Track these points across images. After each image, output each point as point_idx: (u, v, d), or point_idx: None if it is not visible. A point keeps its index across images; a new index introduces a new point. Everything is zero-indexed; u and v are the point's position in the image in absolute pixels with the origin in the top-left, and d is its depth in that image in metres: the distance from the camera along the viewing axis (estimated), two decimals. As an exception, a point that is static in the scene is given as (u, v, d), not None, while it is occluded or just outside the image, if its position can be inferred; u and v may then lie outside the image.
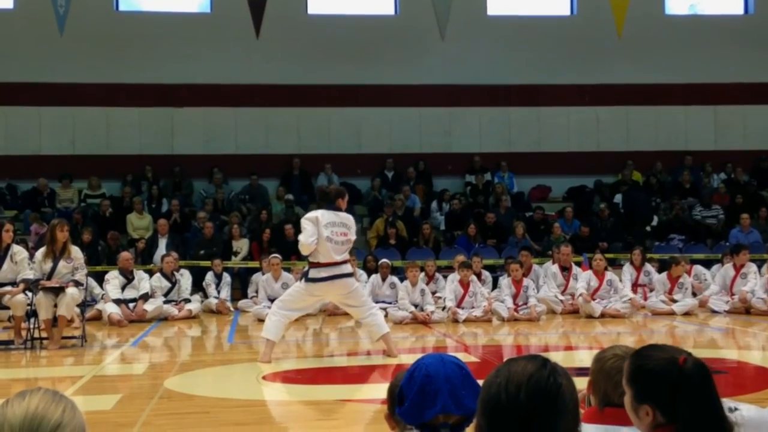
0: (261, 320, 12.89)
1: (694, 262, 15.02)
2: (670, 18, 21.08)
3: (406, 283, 12.90)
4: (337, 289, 8.68)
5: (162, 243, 15.99)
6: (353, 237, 8.69)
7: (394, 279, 13.61)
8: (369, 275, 14.20)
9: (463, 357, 4.88)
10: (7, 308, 9.93)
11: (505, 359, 1.98)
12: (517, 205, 19.05)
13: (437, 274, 14.05)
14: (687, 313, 13.06)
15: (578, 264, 14.59)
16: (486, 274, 14.35)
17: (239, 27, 18.60)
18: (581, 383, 2.78)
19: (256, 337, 11.30)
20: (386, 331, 8.80)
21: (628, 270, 14.27)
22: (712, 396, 2.26)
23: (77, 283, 9.99)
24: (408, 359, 8.64)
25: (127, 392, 7.07)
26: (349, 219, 8.67)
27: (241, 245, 16.36)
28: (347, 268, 8.68)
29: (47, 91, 18.84)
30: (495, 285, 14.20)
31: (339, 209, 8.62)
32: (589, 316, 12.72)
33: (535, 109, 20.28)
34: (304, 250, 8.43)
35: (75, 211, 17.22)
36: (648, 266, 14.41)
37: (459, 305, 12.69)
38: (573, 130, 20.43)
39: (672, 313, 13.02)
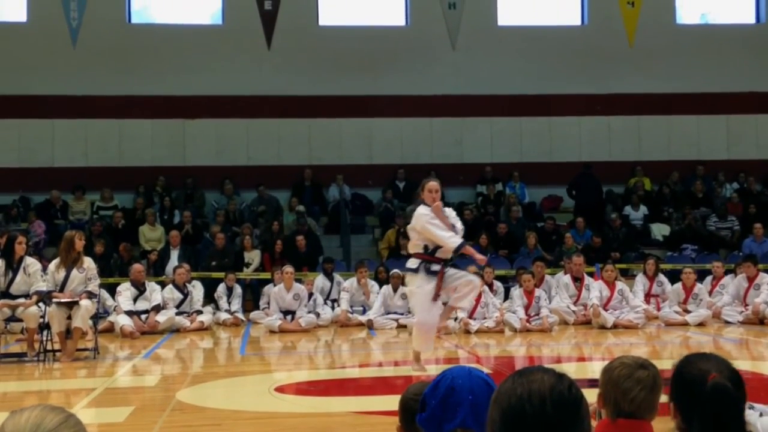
0: (272, 332, 12.94)
1: (707, 272, 14.93)
2: (681, 27, 21.03)
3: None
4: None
5: (174, 254, 16.03)
6: (415, 231, 8.32)
7: (406, 289, 13.58)
8: (381, 286, 14.20)
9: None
10: (21, 320, 9.96)
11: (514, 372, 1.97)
12: (528, 216, 19.00)
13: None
14: (700, 324, 13.00)
15: (590, 274, 14.54)
16: (498, 285, 14.31)
17: (251, 39, 18.67)
18: (594, 395, 2.77)
19: (268, 348, 11.33)
20: (418, 351, 8.45)
21: (641, 280, 14.21)
22: (727, 421, 2.26)
23: (91, 294, 10.02)
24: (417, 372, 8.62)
25: (139, 404, 7.07)
26: (412, 211, 8.45)
27: (253, 256, 16.37)
28: (409, 263, 8.46)
29: (60, 104, 18.93)
30: (507, 295, 14.16)
31: (422, 202, 8.36)
32: (602, 327, 12.67)
33: (546, 119, 20.25)
34: None
35: (90, 224, 17.25)
36: (661, 276, 14.36)
37: (471, 316, 12.66)
38: (584, 140, 20.37)
39: (685, 324, 12.96)
